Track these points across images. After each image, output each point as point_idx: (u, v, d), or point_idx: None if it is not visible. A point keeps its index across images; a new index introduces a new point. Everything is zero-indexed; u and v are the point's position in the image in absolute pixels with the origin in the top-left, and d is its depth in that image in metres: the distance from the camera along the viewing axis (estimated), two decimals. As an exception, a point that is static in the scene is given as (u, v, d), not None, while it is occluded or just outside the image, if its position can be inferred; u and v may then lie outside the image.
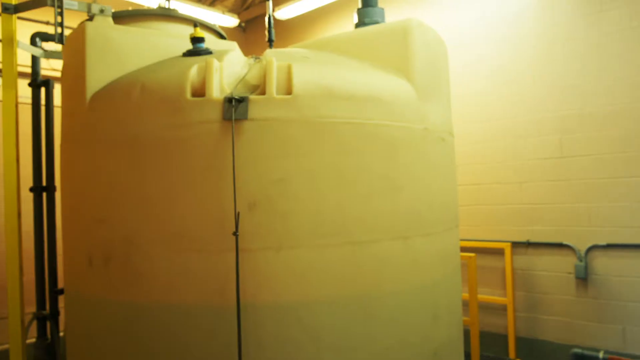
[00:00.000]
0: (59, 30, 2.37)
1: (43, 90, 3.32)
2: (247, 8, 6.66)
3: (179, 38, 2.63)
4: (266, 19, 3.44)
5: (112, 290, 2.20)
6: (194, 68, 2.15)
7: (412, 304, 2.35)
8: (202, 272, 2.05)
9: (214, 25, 2.97)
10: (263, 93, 2.13)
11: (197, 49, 2.43)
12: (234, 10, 6.49)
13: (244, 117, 2.05)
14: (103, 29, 2.40)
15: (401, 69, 2.52)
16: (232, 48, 2.72)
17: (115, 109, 2.22)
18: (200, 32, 2.45)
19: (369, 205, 2.23)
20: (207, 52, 2.42)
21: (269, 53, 2.40)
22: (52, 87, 3.32)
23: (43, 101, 3.32)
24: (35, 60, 3.34)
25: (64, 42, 2.42)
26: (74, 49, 2.46)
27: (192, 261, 2.06)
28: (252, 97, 2.09)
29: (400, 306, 2.30)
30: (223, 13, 5.85)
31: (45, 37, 3.35)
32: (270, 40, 3.45)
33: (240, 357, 1.97)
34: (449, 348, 2.63)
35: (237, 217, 2.00)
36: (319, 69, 2.28)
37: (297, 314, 2.08)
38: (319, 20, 6.31)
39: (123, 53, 2.43)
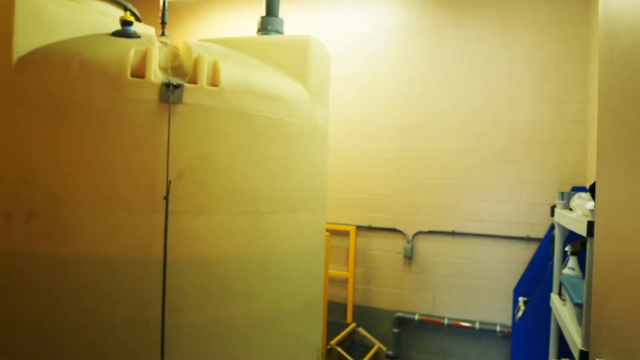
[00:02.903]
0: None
1: None
2: (123, -21, 6.57)
3: (104, 15, 2.84)
4: (161, 1, 3.73)
5: (34, 244, 2.39)
6: (132, 50, 2.45)
7: (296, 264, 2.95)
8: (131, 229, 2.38)
9: (133, 7, 3.20)
10: (193, 81, 2.52)
11: (126, 31, 2.69)
12: (109, -21, 6.37)
13: (179, 101, 2.43)
14: (34, -4, 2.53)
15: (299, 75, 3.09)
16: (151, 32, 3.02)
17: (51, 76, 2.40)
18: (131, 17, 2.72)
19: (271, 183, 2.76)
20: (136, 35, 2.70)
21: (195, 47, 2.76)
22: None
23: None
24: None
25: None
26: (-3, 10, 2.53)
27: (122, 220, 2.37)
28: (186, 85, 2.47)
29: (288, 265, 2.88)
30: (103, -17, 5.75)
31: None
32: (163, 23, 3.74)
33: (164, 303, 2.36)
34: (316, 302, 3.29)
35: (168, 184, 2.37)
36: (239, 68, 2.73)
37: (210, 269, 2.53)
38: (201, 6, 6.54)
39: (52, 22, 2.57)
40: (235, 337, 2.60)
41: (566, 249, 2.48)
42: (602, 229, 1.06)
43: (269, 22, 3.40)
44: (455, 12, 5.18)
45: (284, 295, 2.87)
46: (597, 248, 1.07)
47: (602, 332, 0.99)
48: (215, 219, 2.54)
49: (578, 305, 1.85)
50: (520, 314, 3.66)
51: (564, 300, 2.42)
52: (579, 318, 1.88)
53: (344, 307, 5.60)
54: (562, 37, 4.80)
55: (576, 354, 1.72)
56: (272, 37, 3.20)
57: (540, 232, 4.76)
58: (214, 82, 2.56)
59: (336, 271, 5.60)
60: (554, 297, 2.55)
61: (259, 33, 3.46)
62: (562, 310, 2.27)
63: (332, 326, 5.23)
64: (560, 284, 2.48)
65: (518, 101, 4.93)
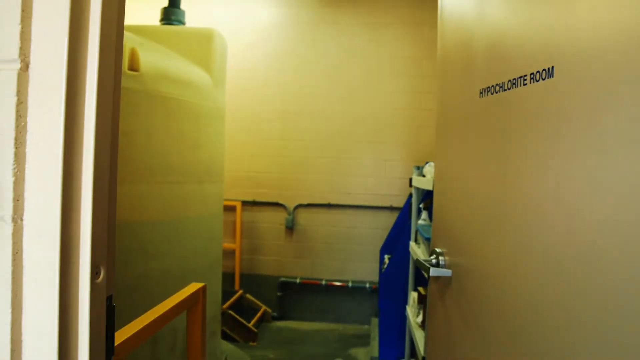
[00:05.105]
0: None
1: None
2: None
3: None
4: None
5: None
6: (55, 35, 2.68)
7: (201, 227, 3.40)
8: (60, 197, 2.64)
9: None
10: (113, 65, 2.83)
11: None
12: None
13: (103, 82, 2.73)
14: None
15: (204, 63, 3.50)
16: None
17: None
18: None
19: (182, 157, 3.17)
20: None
21: (110, 33, 3.03)
22: None
23: None
24: None
25: None
26: None
27: (51, 189, 2.63)
28: (110, 68, 2.77)
29: (196, 227, 3.32)
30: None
31: None
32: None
33: (92, 259, 2.67)
34: (216, 265, 3.76)
35: (96, 157, 2.68)
36: (154, 55, 3.08)
37: (133, 231, 2.88)
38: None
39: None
40: (154, 290, 2.99)
41: (420, 206, 3.26)
42: (438, 182, 1.72)
43: (172, 13, 3.73)
44: (331, 10, 5.86)
45: (194, 254, 3.31)
46: (435, 195, 1.74)
47: (437, 237, 1.65)
48: (136, 188, 2.90)
49: (427, 240, 2.59)
50: (385, 267, 4.48)
51: (418, 244, 3.20)
52: (429, 250, 2.63)
53: (232, 276, 6.09)
54: (421, 37, 5.72)
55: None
56: (179, 28, 3.55)
57: (400, 202, 5.69)
58: (133, 67, 2.89)
59: (224, 244, 6.05)
60: (412, 244, 3.32)
61: (162, 22, 3.77)
62: (417, 251, 3.04)
63: (222, 294, 5.70)
64: (417, 232, 3.26)
65: (385, 91, 5.78)
